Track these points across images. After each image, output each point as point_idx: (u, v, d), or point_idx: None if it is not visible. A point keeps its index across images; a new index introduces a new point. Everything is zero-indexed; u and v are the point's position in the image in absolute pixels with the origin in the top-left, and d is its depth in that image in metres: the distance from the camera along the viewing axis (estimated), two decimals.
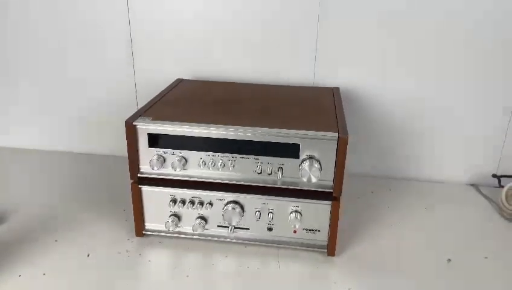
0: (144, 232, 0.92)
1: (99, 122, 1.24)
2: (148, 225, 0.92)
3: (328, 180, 0.83)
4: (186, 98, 1.02)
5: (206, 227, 0.90)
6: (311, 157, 0.81)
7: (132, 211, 0.89)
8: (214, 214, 0.87)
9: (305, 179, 0.81)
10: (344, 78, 1.13)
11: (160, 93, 1.01)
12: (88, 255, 0.86)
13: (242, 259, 0.84)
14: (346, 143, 0.79)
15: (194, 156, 0.85)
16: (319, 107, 0.96)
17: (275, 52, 1.14)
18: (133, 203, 0.89)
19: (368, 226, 0.98)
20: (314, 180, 0.81)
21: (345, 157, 0.80)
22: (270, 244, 0.87)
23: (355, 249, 0.90)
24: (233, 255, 0.85)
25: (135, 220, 0.91)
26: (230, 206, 0.86)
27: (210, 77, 1.18)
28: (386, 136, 1.16)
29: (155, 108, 0.92)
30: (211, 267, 0.84)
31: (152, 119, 0.84)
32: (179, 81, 1.13)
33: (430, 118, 1.12)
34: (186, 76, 1.18)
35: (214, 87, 1.09)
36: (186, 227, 0.91)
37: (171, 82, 1.12)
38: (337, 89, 1.09)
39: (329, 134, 0.80)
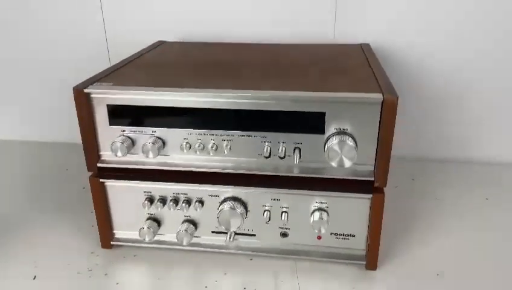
0: (112, 243, 0.68)
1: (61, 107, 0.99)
2: (119, 233, 0.68)
3: (367, 164, 0.58)
4: (167, 61, 0.76)
5: (195, 234, 0.65)
6: (342, 132, 0.56)
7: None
8: (205, 216, 0.65)
9: (333, 164, 0.56)
10: (371, 35, 0.87)
11: (129, 57, 0.76)
12: (34, 278, 0.62)
13: (247, 277, 0.64)
14: (395, 108, 0.53)
15: (174, 135, 0.60)
16: (348, 66, 0.71)
17: (285, 3, 0.87)
18: (94, 204, 0.65)
19: (414, 226, 0.74)
20: (347, 164, 0.55)
21: (392, 130, 0.55)
22: (285, 256, 0.66)
23: (402, 259, 0.66)
24: (234, 272, 0.65)
25: (99, 226, 0.67)
26: (228, 204, 0.61)
27: (203, 38, 0.92)
28: (429, 110, 0.89)
29: (119, 73, 0.67)
30: None
31: (113, 85, 0.59)
32: (160, 44, 0.88)
33: (488, 90, 0.87)
34: (170, 38, 0.92)
35: (207, 49, 0.83)
36: (168, 235, 0.66)
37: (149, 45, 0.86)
38: (367, 45, 0.83)
39: (370, 96, 0.54)
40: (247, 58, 0.77)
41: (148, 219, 0.66)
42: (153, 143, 0.59)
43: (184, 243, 0.64)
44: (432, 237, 0.71)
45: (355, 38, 0.88)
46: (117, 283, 0.62)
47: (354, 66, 0.70)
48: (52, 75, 0.99)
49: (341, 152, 0.55)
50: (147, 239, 0.64)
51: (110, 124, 0.60)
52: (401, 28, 0.87)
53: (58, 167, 0.95)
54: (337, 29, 0.89)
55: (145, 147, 0.59)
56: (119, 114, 0.60)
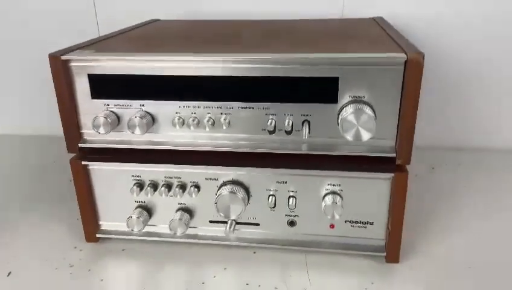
0: (98, 236, 0.60)
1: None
2: (105, 225, 0.60)
3: (388, 139, 0.50)
4: (160, 34, 0.69)
5: (191, 224, 0.57)
6: (358, 100, 0.48)
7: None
8: (202, 203, 0.57)
9: (349, 137, 0.48)
10: (383, 8, 0.80)
11: (118, 30, 0.69)
12: (9, 274, 0.55)
13: (249, 272, 0.56)
14: (420, 68, 0.46)
15: (165, 109, 0.53)
16: (363, 33, 0.63)
17: None
18: (76, 190, 0.57)
19: (437, 216, 0.65)
20: (365, 137, 0.48)
21: (417, 96, 0.47)
22: (293, 248, 0.57)
23: (427, 251, 0.58)
24: (235, 267, 0.57)
25: (82, 217, 0.59)
26: (227, 189, 0.53)
27: (205, 16, 0.85)
28: (448, 92, 0.81)
29: (105, 43, 0.60)
30: (201, 288, 0.52)
31: (95, 52, 0.52)
32: (154, 21, 0.81)
33: None
34: (165, 16, 0.85)
35: (208, 25, 0.76)
36: (161, 225, 0.59)
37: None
38: (381, 18, 0.75)
39: (391, 55, 0.47)
40: (249, 32, 0.70)
41: (137, 207, 0.58)
42: (141, 118, 0.52)
43: (178, 234, 0.56)
44: (458, 227, 0.63)
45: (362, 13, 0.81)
46: (101, 280, 0.54)
47: (369, 32, 0.63)
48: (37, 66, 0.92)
49: (357, 123, 0.47)
50: (135, 230, 0.57)
51: (93, 98, 0.53)
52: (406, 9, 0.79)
53: (43, 159, 0.88)
54: (346, 8, 0.81)
55: (132, 121, 0.52)
56: (103, 85, 0.52)
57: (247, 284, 0.53)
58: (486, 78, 0.82)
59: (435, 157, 0.84)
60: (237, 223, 0.57)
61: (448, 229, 0.62)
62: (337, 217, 0.52)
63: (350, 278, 0.53)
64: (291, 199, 0.54)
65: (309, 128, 0.50)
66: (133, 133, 0.52)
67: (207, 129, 0.52)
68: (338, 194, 0.53)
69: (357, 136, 0.48)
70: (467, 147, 0.87)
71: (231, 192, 0.53)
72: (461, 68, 0.82)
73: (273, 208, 0.55)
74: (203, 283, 0.53)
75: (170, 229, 0.56)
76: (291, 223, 0.56)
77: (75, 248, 0.60)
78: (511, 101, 0.84)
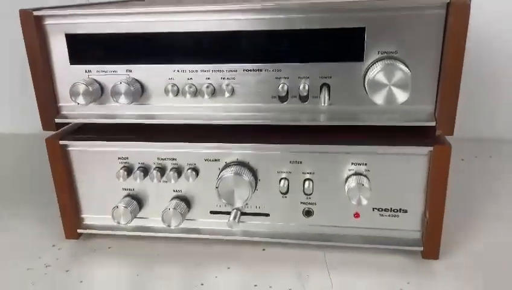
0: (79, 231, 0.51)
1: None
2: (88, 218, 0.51)
3: (425, 104, 0.41)
4: None
5: (189, 216, 0.48)
6: (388, 56, 0.40)
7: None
8: (202, 190, 0.49)
9: (378, 101, 0.39)
10: None
11: None
12: None
13: (258, 272, 0.47)
14: (467, 12, 0.37)
15: (156, 74, 0.44)
16: None
17: None
18: (53, 176, 0.49)
19: (481, 209, 0.56)
20: (399, 98, 0.39)
21: (463, 49, 0.38)
22: (310, 243, 0.47)
23: (470, 246, 0.48)
24: (241, 266, 0.48)
25: (61, 209, 0.51)
26: (231, 171, 0.44)
27: None
28: (478, 79, 0.73)
29: (90, 5, 0.52)
30: None
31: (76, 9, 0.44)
32: None
33: None
34: None
35: None
36: (153, 218, 0.50)
37: None
38: None
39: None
40: None
41: (126, 196, 0.49)
42: (128, 84, 0.43)
43: (172, 226, 0.47)
44: (505, 221, 0.53)
45: None
46: (81, 281, 0.45)
47: None
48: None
49: (389, 82, 0.39)
50: (122, 222, 0.48)
51: (72, 63, 0.45)
52: None
53: (24, 157, 0.80)
54: None
55: (116, 88, 0.43)
56: (83, 47, 0.44)
57: (255, 286, 0.44)
58: None
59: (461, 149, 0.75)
60: (243, 213, 0.48)
61: (497, 222, 0.52)
62: (364, 202, 0.43)
63: (380, 278, 0.44)
64: (307, 183, 0.45)
65: (329, 94, 0.42)
66: (117, 102, 0.44)
67: (206, 98, 0.44)
68: (364, 176, 0.44)
69: (389, 98, 0.39)
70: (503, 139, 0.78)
71: (236, 174, 0.44)
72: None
73: (286, 194, 0.46)
74: (202, 284, 0.44)
75: (163, 221, 0.47)
76: (308, 213, 0.47)
77: (53, 246, 0.51)
78: None
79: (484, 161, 0.71)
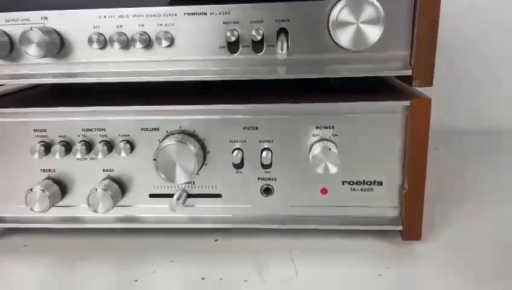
0: None
1: None
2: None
3: (398, 48, 0.35)
4: None
5: (124, 201, 0.40)
6: None
7: None
8: (138, 167, 0.41)
9: (346, 43, 0.33)
10: None
11: None
12: None
13: (207, 264, 0.39)
14: None
15: (78, 22, 0.36)
16: None
17: None
18: None
19: (462, 189, 0.50)
20: (370, 37, 0.33)
21: None
22: (270, 227, 0.40)
23: (465, 223, 0.42)
24: (186, 258, 0.40)
25: None
26: (172, 142, 0.36)
27: None
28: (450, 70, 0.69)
29: None
30: (131, 287, 0.34)
31: None
32: None
33: None
34: None
35: None
36: (81, 205, 0.41)
37: None
38: None
39: None
40: None
41: (45, 179, 0.40)
42: (42, 32, 0.35)
43: (100, 212, 0.38)
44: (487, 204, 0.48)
45: None
46: None
47: None
48: None
49: (357, 20, 0.32)
50: (37, 209, 0.38)
51: None
52: None
53: None
54: None
55: (26, 36, 0.35)
56: None
57: (202, 279, 0.35)
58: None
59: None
60: (190, 195, 0.40)
61: (474, 210, 0.47)
62: (332, 170, 0.36)
63: (354, 264, 0.37)
64: (264, 153, 0.38)
65: (287, 41, 0.35)
66: (29, 54, 0.35)
67: (140, 50, 0.36)
68: (330, 141, 0.37)
69: (359, 38, 0.33)
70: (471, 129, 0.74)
71: (178, 141, 0.36)
72: None
73: (240, 168, 0.39)
74: (135, 280, 0.35)
75: (89, 206, 0.38)
76: (267, 191, 0.39)
77: None
78: None
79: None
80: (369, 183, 0.39)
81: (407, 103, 0.35)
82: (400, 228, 0.39)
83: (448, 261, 0.36)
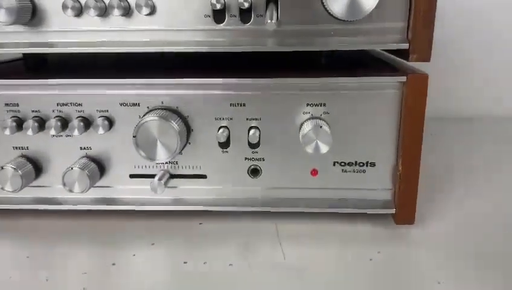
0: None
1: None
2: None
3: (395, 20, 0.33)
4: None
5: (102, 182, 0.38)
6: None
7: None
8: (118, 145, 0.38)
9: (339, 12, 0.31)
10: None
11: None
12: None
13: (190, 247, 0.37)
14: None
15: None
16: None
17: None
18: None
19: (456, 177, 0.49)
20: (367, 6, 0.30)
21: None
22: (257, 209, 0.37)
23: (459, 208, 0.40)
24: (168, 241, 0.38)
25: None
26: (153, 117, 0.34)
27: None
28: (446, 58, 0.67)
29: None
30: (107, 271, 0.32)
31: None
32: None
33: None
34: None
35: None
36: (56, 186, 0.38)
37: None
38: None
39: None
40: None
41: (18, 157, 0.38)
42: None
43: (76, 191, 0.36)
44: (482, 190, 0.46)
45: None
46: None
47: None
48: None
49: None
50: (8, 188, 0.36)
51: None
52: None
53: None
54: None
55: None
56: None
57: (184, 263, 0.33)
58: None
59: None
60: (173, 176, 0.38)
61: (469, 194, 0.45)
62: (323, 149, 0.34)
63: (344, 247, 0.35)
64: (252, 132, 0.36)
65: (277, 11, 0.33)
66: None
67: (118, 17, 0.34)
68: (321, 119, 0.35)
69: (353, 6, 0.30)
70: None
71: (160, 117, 0.34)
72: None
73: (226, 147, 0.37)
74: (113, 264, 0.33)
75: (64, 185, 0.36)
76: (254, 172, 0.37)
77: None
78: None
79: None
80: (361, 164, 0.37)
81: (403, 78, 0.33)
82: (393, 211, 0.37)
83: (439, 246, 0.35)
